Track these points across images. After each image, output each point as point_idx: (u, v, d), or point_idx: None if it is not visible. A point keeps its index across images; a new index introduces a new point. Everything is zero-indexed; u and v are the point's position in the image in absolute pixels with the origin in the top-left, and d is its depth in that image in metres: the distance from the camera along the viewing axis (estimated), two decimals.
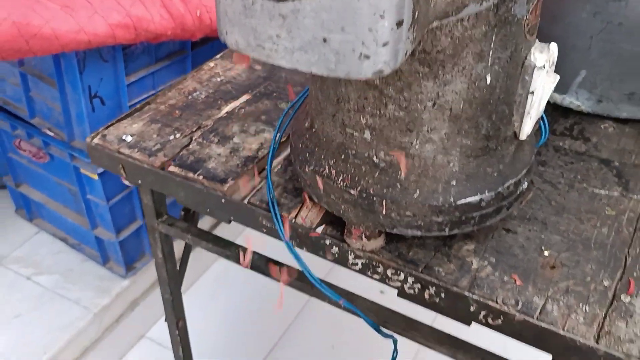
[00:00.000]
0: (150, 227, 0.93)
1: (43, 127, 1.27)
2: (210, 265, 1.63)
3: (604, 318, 0.60)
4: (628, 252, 0.68)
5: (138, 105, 0.92)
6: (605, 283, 0.64)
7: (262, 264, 0.85)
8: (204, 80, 0.98)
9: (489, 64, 0.57)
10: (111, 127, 0.87)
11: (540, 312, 0.61)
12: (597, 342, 0.58)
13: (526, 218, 0.72)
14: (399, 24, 0.36)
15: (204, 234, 0.91)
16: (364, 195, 0.63)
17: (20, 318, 1.34)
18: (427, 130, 0.60)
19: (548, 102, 0.74)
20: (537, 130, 0.71)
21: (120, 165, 0.83)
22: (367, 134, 0.61)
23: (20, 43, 0.94)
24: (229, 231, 1.32)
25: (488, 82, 0.58)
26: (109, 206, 1.28)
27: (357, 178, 0.64)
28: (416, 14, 0.35)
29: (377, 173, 0.63)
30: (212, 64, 1.03)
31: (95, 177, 1.23)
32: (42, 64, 1.14)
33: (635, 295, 0.63)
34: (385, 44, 0.36)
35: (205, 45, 1.37)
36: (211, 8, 1.19)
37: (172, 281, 1.01)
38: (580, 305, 0.61)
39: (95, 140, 0.85)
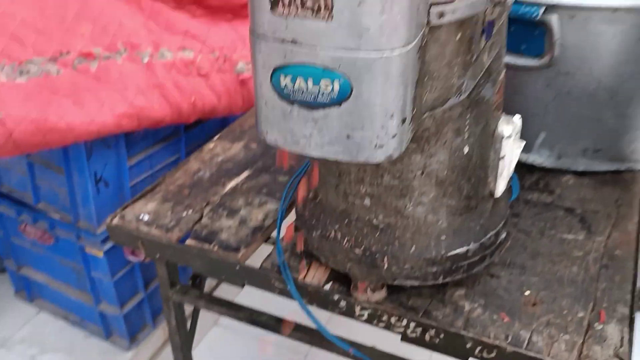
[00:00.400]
0: (165, 296, 1.00)
1: (48, 210, 1.34)
2: (211, 328, 1.68)
3: (582, 344, 0.70)
4: (596, 286, 0.78)
5: (149, 187, 1.01)
6: (580, 314, 0.74)
7: (273, 322, 0.93)
8: (207, 161, 1.08)
9: (466, 138, 0.69)
10: (128, 208, 0.96)
11: (527, 344, 0.70)
12: None
13: (507, 264, 0.83)
14: (404, 120, 0.47)
15: (215, 300, 0.99)
16: (367, 253, 0.73)
17: None
18: (418, 195, 0.71)
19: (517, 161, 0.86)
20: (509, 188, 0.83)
21: (140, 242, 0.91)
22: (367, 201, 0.72)
23: (38, 138, 1.03)
24: (228, 291, 1.40)
25: (466, 152, 0.70)
26: (114, 281, 1.35)
27: (360, 239, 0.74)
28: (414, 111, 0.46)
29: (378, 233, 0.73)
30: (211, 145, 1.13)
31: (101, 254, 1.30)
32: (50, 154, 1.23)
33: (606, 323, 0.73)
34: (394, 136, 0.47)
35: (196, 128, 1.48)
36: (203, 95, 1.31)
37: (185, 346, 1.07)
38: (561, 335, 0.71)
39: (115, 221, 0.93)
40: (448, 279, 0.75)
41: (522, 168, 1.03)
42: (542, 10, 0.85)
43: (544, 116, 0.98)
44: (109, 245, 1.31)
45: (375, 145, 0.48)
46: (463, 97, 0.58)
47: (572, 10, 0.84)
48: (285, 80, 0.46)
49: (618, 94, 0.91)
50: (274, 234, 0.91)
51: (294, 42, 0.45)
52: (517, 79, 0.95)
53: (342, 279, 0.80)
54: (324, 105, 0.46)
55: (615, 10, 0.82)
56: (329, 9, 0.42)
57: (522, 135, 1.01)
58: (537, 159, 1.03)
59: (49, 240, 1.37)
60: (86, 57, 1.18)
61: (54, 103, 1.07)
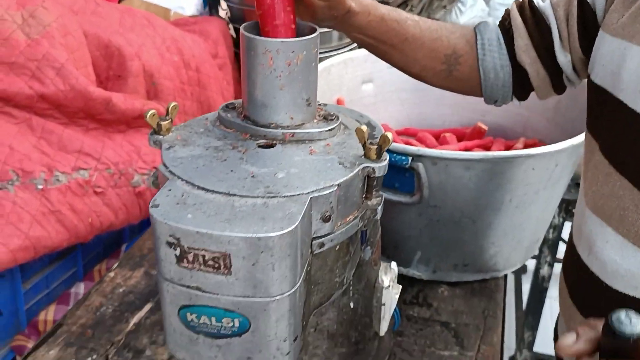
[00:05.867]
0: None
1: None
2: None
3: None
4: None
5: (50, 330, 1.02)
6: None
7: None
8: (108, 293, 1.11)
9: (351, 295, 0.78)
10: (29, 358, 0.96)
11: None
12: None
13: None
14: (295, 339, 0.55)
15: None
16: None
17: None
18: (312, 348, 0.78)
19: (399, 274, 0.96)
20: (392, 322, 0.93)
21: None
22: None
23: None
24: None
25: (352, 307, 0.79)
26: None
27: None
28: (303, 324, 0.55)
29: None
30: (112, 274, 1.16)
31: None
32: None
33: None
34: (287, 354, 0.55)
35: (92, 240, 1.49)
36: (100, 214, 1.33)
37: None
38: None
39: None
40: None
41: (403, 279, 1.14)
42: (410, 159, 0.98)
43: (419, 238, 1.10)
44: None
45: None
46: (345, 286, 0.68)
47: (434, 159, 0.98)
48: (191, 317, 0.53)
49: (478, 221, 1.06)
50: None
51: (198, 289, 0.52)
52: (394, 208, 1.07)
53: None
54: (226, 336, 0.53)
55: (468, 160, 0.97)
56: (228, 267, 0.50)
57: (402, 253, 1.14)
58: (416, 272, 1.15)
59: None
60: None
61: None
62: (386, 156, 0.60)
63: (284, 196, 0.53)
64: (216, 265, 0.50)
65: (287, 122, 0.62)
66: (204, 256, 0.49)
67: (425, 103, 1.50)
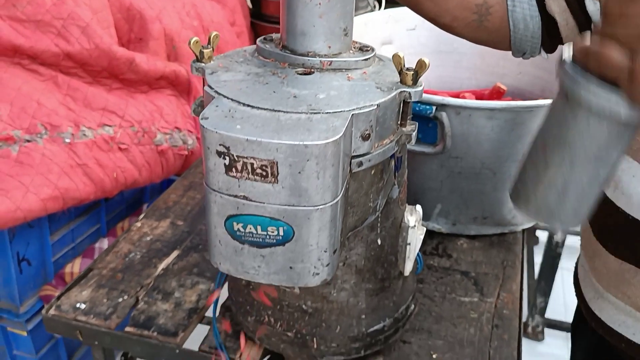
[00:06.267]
0: None
1: None
2: None
3: None
4: (490, 345, 0.93)
5: (82, 273, 1.05)
6: None
7: None
8: (136, 241, 1.14)
9: (378, 232, 0.81)
10: (63, 297, 1.00)
11: None
12: None
13: (416, 329, 0.96)
14: (334, 251, 0.58)
15: None
16: (299, 335, 0.83)
17: None
18: (341, 282, 0.81)
19: None
20: (415, 264, 0.96)
21: (78, 332, 0.96)
22: (296, 289, 0.82)
23: None
24: None
25: (379, 243, 0.82)
26: (37, 358, 1.35)
27: (291, 323, 0.83)
28: (341, 240, 0.57)
29: (307, 317, 0.83)
30: (139, 224, 1.19)
31: (25, 333, 1.30)
32: None
33: None
34: (327, 265, 0.57)
35: (116, 197, 1.52)
36: (124, 169, 1.36)
37: None
38: None
39: (52, 312, 0.97)
40: (369, 352, 0.86)
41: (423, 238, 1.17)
42: (434, 108, 1.00)
43: (440, 190, 1.13)
44: (33, 323, 1.31)
45: (313, 274, 0.58)
46: (377, 213, 0.70)
47: (457, 108, 1.00)
48: (237, 226, 0.56)
49: (498, 173, 1.08)
50: (209, 313, 0.99)
51: (245, 198, 0.54)
52: (416, 160, 1.09)
53: (276, 357, 0.89)
54: (270, 245, 0.56)
55: (492, 109, 0.99)
56: (275, 176, 0.52)
57: (422, 206, 1.16)
58: (435, 225, 1.18)
59: None
60: (6, 141, 1.20)
61: None
62: (422, 82, 0.63)
63: (327, 112, 0.55)
64: (264, 174, 0.52)
65: (324, 50, 0.64)
66: (252, 164, 0.52)
67: (444, 66, 1.52)
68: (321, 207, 0.54)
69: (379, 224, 0.80)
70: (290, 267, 0.57)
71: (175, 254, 1.11)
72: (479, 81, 1.52)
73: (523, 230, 1.22)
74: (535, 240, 2.45)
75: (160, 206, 1.25)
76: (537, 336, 2.00)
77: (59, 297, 1.00)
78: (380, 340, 0.86)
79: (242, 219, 0.55)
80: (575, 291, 0.89)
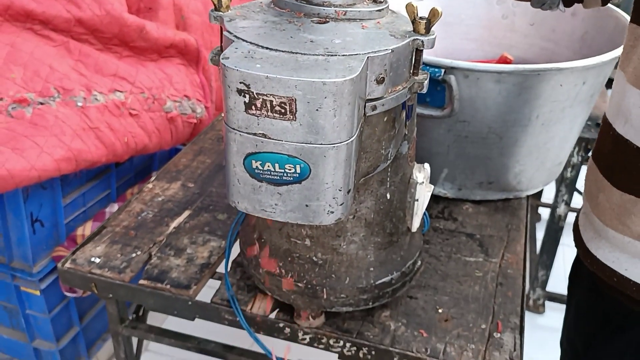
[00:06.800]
0: (115, 332, 1.07)
1: None
2: (142, 354, 1.73)
3: (485, 351, 0.86)
4: (494, 301, 0.95)
5: (96, 230, 1.08)
6: (483, 326, 0.90)
7: (220, 349, 1.03)
8: (148, 201, 1.16)
9: (388, 186, 0.83)
10: (78, 252, 1.02)
11: (443, 354, 0.86)
12: None
13: (422, 286, 0.98)
14: (349, 191, 0.60)
15: (164, 332, 1.08)
16: (309, 286, 0.86)
17: None
18: (351, 235, 0.84)
19: None
20: (422, 222, 0.98)
21: (93, 284, 0.98)
22: (307, 241, 0.84)
23: None
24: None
25: (388, 198, 0.84)
26: (50, 318, 1.38)
27: (302, 274, 0.86)
28: (355, 182, 0.59)
29: (317, 269, 0.85)
30: (150, 186, 1.21)
31: (38, 293, 1.33)
32: None
33: (503, 332, 0.89)
34: (342, 204, 0.59)
35: (125, 163, 1.54)
36: (135, 135, 1.38)
37: None
38: (468, 344, 0.87)
39: (67, 265, 0.99)
40: (376, 304, 0.89)
41: (429, 199, 1.19)
42: (443, 71, 1.01)
43: (447, 155, 1.14)
44: (45, 283, 1.34)
45: (328, 212, 0.60)
46: (389, 162, 0.72)
47: (466, 71, 1.01)
48: (256, 164, 0.58)
49: (504, 138, 1.10)
50: (220, 269, 1.02)
51: (263, 135, 0.56)
52: (424, 124, 1.11)
53: (285, 308, 0.92)
54: (287, 183, 0.58)
55: (499, 72, 1.00)
56: (293, 113, 0.54)
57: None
58: (442, 190, 1.20)
59: None
60: (20, 102, 1.22)
61: None
62: (434, 32, 0.64)
63: (343, 55, 0.57)
64: (282, 111, 0.54)
65: (339, 1, 0.66)
66: (271, 102, 0.54)
67: (451, 37, 1.53)
68: (337, 145, 0.56)
69: (388, 179, 0.82)
70: (306, 205, 0.59)
71: (186, 213, 1.13)
72: (486, 52, 1.53)
73: (527, 197, 1.24)
74: (538, 217, 2.47)
75: (171, 169, 1.27)
76: (538, 309, 2.03)
77: (74, 252, 1.02)
78: (387, 293, 0.89)
79: (260, 156, 0.57)
80: (575, 238, 0.93)
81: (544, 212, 2.47)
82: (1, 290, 1.39)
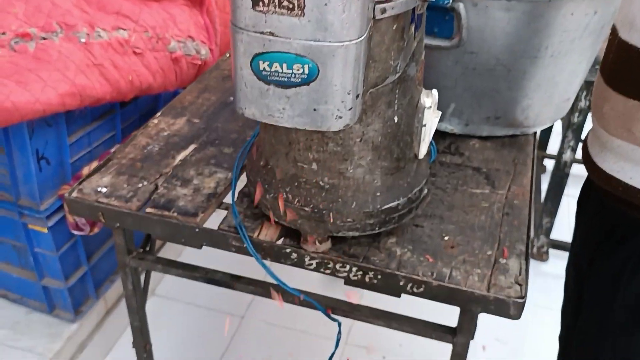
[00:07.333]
0: (122, 263, 1.08)
1: None
2: (149, 298, 1.76)
3: (491, 275, 0.87)
4: (500, 230, 0.96)
5: (102, 162, 1.08)
6: (488, 253, 0.91)
7: (227, 279, 1.04)
8: (153, 135, 1.16)
9: (396, 109, 0.82)
10: (84, 182, 1.02)
11: (448, 278, 0.86)
12: (488, 291, 0.84)
13: (428, 215, 0.98)
14: (357, 96, 0.59)
15: (171, 263, 1.09)
16: (316, 210, 0.86)
17: None
18: (358, 159, 0.83)
19: None
20: (429, 151, 0.98)
21: (100, 213, 0.99)
22: (314, 166, 0.84)
23: None
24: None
25: (395, 121, 0.83)
26: (58, 256, 1.39)
27: (309, 198, 0.86)
28: (363, 88, 0.58)
29: (324, 193, 0.85)
30: (155, 121, 1.20)
31: (45, 230, 1.34)
32: None
33: (509, 258, 0.90)
34: (350, 109, 0.59)
35: (130, 104, 1.54)
36: (139, 73, 1.37)
37: (140, 309, 1.16)
38: (474, 269, 0.88)
39: (74, 194, 1.00)
40: (382, 229, 0.89)
41: (435, 134, 1.18)
42: None
43: (454, 89, 1.13)
44: (53, 221, 1.35)
45: (336, 117, 0.60)
46: (397, 75, 0.71)
47: None
48: (263, 65, 0.57)
49: (512, 70, 1.08)
50: (226, 199, 1.02)
51: (271, 34, 0.55)
52: (431, 56, 1.09)
53: (292, 235, 0.92)
54: (295, 85, 0.57)
55: (509, 0, 0.99)
56: (302, 8, 0.53)
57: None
58: (448, 126, 1.19)
59: None
60: (23, 37, 1.21)
61: None
62: None
63: None
64: (290, 6, 0.53)
65: None
66: None
67: None
68: (346, 43, 0.55)
69: (396, 101, 0.81)
70: (314, 109, 0.58)
71: (192, 147, 1.13)
72: None
73: (534, 134, 1.23)
74: (543, 169, 2.47)
75: (176, 105, 1.27)
76: (542, 256, 2.05)
77: (80, 182, 1.02)
78: (394, 218, 0.89)
79: (268, 56, 0.56)
80: (583, 157, 0.95)
81: (549, 164, 2.46)
82: (9, 229, 1.40)
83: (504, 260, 0.89)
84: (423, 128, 0.89)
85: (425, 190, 0.94)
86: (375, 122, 0.81)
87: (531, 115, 1.17)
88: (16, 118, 1.12)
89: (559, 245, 2.04)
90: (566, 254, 2.05)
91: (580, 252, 1.03)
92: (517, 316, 0.84)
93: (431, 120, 0.90)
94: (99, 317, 1.60)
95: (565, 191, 2.02)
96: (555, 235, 2.07)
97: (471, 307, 0.86)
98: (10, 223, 1.38)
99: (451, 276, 0.86)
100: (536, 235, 2.02)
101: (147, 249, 1.13)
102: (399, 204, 0.88)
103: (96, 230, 1.37)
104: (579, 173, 1.98)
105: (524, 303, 0.84)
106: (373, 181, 0.86)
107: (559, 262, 2.05)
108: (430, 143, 1.00)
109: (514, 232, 0.95)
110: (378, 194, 0.86)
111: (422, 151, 0.91)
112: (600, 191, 0.89)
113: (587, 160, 0.91)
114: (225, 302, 1.85)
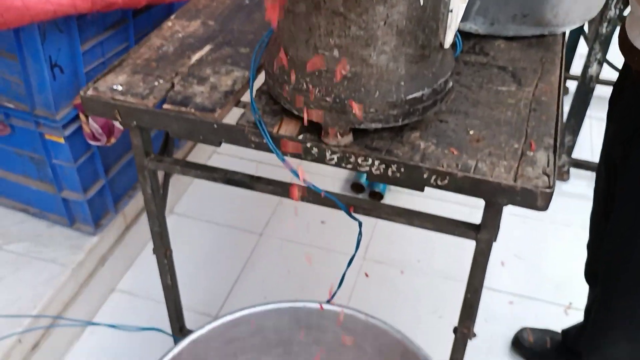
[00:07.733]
0: (140, 165, 1.07)
1: (1, 101, 1.34)
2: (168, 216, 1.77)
3: (518, 167, 0.84)
4: (527, 124, 0.93)
5: (116, 62, 1.05)
6: (515, 146, 0.88)
7: (247, 180, 1.03)
8: (168, 37, 1.13)
9: None
10: (100, 81, 1.00)
11: (474, 170, 0.84)
12: (514, 181, 0.82)
13: (453, 111, 0.95)
14: None
15: (190, 164, 1.07)
16: (337, 100, 0.83)
17: (3, 281, 1.42)
18: (381, 44, 0.80)
19: None
20: (454, 44, 0.94)
21: (116, 110, 0.97)
22: (335, 52, 0.81)
23: None
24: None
25: (421, 4, 0.79)
26: (76, 167, 1.39)
27: (330, 88, 0.83)
28: None
29: (346, 82, 0.82)
30: (170, 24, 1.17)
31: (62, 140, 1.33)
32: (1, 41, 1.22)
33: (536, 151, 0.87)
34: None
35: (143, 15, 1.49)
36: None
37: (160, 214, 1.16)
38: (501, 161, 0.85)
39: (90, 92, 0.98)
40: (406, 121, 0.86)
41: (460, 35, 1.14)
42: None
43: None
44: (69, 130, 1.34)
45: None
46: None
47: None
48: None
49: None
50: (244, 98, 0.99)
51: None
52: None
53: (312, 130, 0.90)
54: None
55: None
56: None
57: None
58: (473, 26, 1.14)
59: (5, 131, 1.38)
60: None
61: None
62: None
63: None
64: None
65: None
66: None
67: None
68: None
69: None
70: None
71: (208, 47, 1.10)
72: None
73: (563, 34, 1.18)
74: (566, 90, 2.40)
75: (191, 8, 1.23)
76: (563, 176, 2.02)
77: (95, 81, 1.00)
78: (418, 110, 0.86)
79: None
80: (620, 44, 0.92)
81: (572, 86, 2.40)
82: (27, 140, 1.40)
83: (531, 153, 0.87)
84: (450, 14, 0.85)
85: (451, 83, 0.91)
86: (400, 4, 0.77)
87: (561, 12, 1.12)
88: (27, 18, 1.09)
89: (580, 165, 2.00)
90: (587, 174, 2.02)
91: (611, 151, 1.00)
92: (544, 207, 0.82)
93: (458, 6, 0.85)
94: (119, 231, 1.61)
95: (587, 112, 1.96)
96: (576, 154, 2.03)
97: (497, 198, 0.84)
98: (27, 134, 1.37)
99: (477, 168, 0.84)
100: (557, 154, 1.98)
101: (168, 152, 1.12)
102: (423, 95, 0.85)
103: (113, 140, 1.35)
104: (602, 94, 1.92)
105: (551, 194, 0.81)
106: (397, 69, 0.83)
107: (579, 182, 2.03)
108: (456, 35, 0.96)
109: (542, 127, 0.92)
110: (402, 83, 0.83)
111: (448, 40, 0.87)
112: (637, 78, 0.85)
113: (625, 45, 0.87)
114: (244, 221, 1.86)
